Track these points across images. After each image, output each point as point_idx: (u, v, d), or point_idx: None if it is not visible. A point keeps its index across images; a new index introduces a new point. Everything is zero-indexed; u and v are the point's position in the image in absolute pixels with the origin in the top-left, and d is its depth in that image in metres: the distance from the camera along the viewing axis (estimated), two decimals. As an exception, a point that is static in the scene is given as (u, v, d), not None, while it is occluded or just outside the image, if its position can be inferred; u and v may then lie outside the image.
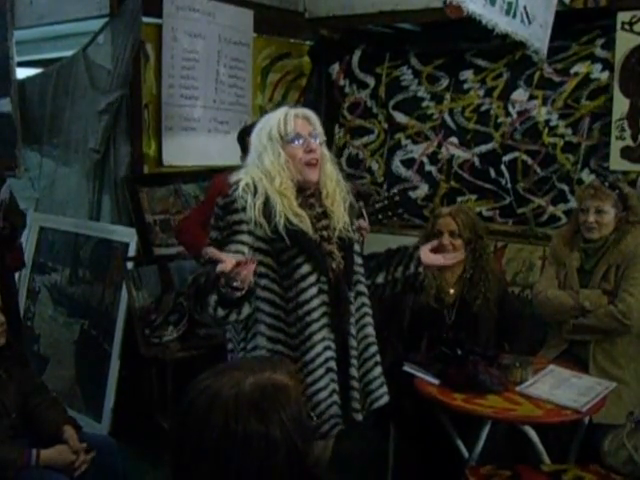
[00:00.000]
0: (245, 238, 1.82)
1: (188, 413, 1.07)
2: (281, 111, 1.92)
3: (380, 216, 2.24)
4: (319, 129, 1.94)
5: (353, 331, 1.96)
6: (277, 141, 1.87)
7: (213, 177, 3.04)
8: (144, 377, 3.21)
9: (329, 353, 1.88)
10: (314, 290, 1.87)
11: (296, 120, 1.89)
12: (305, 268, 1.85)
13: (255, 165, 1.89)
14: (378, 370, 2.04)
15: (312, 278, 1.87)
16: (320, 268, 1.87)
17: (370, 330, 2.03)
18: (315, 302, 1.87)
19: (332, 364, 1.88)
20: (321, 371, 1.87)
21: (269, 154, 1.87)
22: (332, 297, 1.89)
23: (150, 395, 3.20)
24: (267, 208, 1.82)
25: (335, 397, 1.89)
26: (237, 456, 1.02)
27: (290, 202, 1.85)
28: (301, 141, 1.88)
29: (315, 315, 1.87)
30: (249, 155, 1.95)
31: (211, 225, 1.89)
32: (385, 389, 2.06)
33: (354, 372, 1.95)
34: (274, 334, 1.86)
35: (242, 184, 1.84)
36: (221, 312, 1.74)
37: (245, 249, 1.81)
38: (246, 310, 1.80)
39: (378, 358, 2.04)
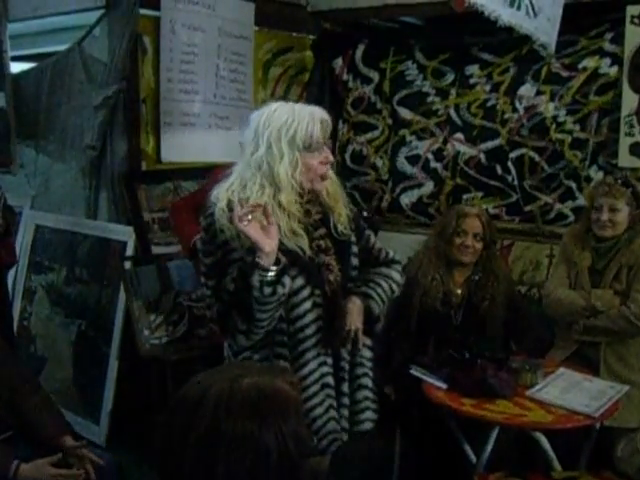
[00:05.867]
0: (238, 255, 1.72)
1: (179, 404, 1.03)
2: (306, 112, 1.74)
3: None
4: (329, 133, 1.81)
5: (348, 346, 1.87)
6: (299, 150, 1.71)
7: (215, 169, 2.96)
8: (143, 378, 3.16)
9: (325, 369, 1.81)
10: (308, 305, 1.77)
11: (320, 127, 1.74)
12: (298, 282, 1.75)
13: (260, 168, 1.73)
14: (363, 393, 1.92)
15: (305, 292, 1.77)
16: (314, 281, 1.77)
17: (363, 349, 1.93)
18: (309, 317, 1.78)
19: (328, 379, 1.81)
20: (316, 387, 1.79)
21: (285, 162, 1.70)
22: (328, 311, 1.80)
23: (149, 397, 3.15)
24: None
25: (332, 413, 1.82)
26: (223, 455, 0.97)
27: (290, 221, 1.73)
28: (319, 151, 1.75)
29: (308, 331, 1.78)
30: (253, 149, 1.75)
31: (201, 250, 1.79)
32: (370, 415, 1.93)
33: (345, 388, 1.87)
34: (277, 349, 1.77)
35: (220, 205, 1.71)
36: (267, 289, 1.64)
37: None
38: (287, 282, 1.69)
39: (366, 381, 1.93)
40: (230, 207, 1.70)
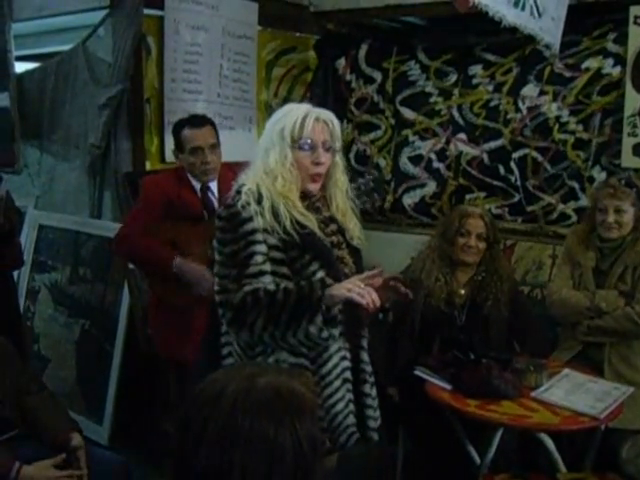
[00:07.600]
0: (263, 248, 1.71)
1: (195, 402, 1.02)
2: (302, 110, 1.76)
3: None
4: (336, 137, 1.80)
5: (365, 344, 1.89)
6: (287, 142, 1.73)
7: (144, 180, 2.90)
8: (146, 378, 3.15)
9: (345, 363, 1.81)
10: None
11: (315, 124, 1.75)
12: (320, 275, 1.75)
13: (261, 160, 1.79)
14: (374, 391, 1.93)
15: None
16: (335, 275, 1.76)
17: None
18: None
19: (348, 374, 1.81)
20: (338, 383, 1.79)
21: (275, 152, 1.75)
22: (346, 305, 1.78)
23: (152, 396, 3.15)
24: (275, 211, 1.72)
25: (351, 406, 1.82)
26: (239, 453, 0.96)
27: (294, 203, 1.74)
28: (311, 150, 1.75)
29: None
30: (259, 145, 1.83)
31: (218, 240, 1.76)
32: (379, 413, 1.94)
33: (368, 389, 1.88)
34: (296, 348, 1.75)
35: (244, 190, 1.73)
36: (326, 333, 1.67)
37: (267, 259, 1.73)
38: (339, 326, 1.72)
39: (374, 379, 1.94)
40: (259, 190, 1.72)
